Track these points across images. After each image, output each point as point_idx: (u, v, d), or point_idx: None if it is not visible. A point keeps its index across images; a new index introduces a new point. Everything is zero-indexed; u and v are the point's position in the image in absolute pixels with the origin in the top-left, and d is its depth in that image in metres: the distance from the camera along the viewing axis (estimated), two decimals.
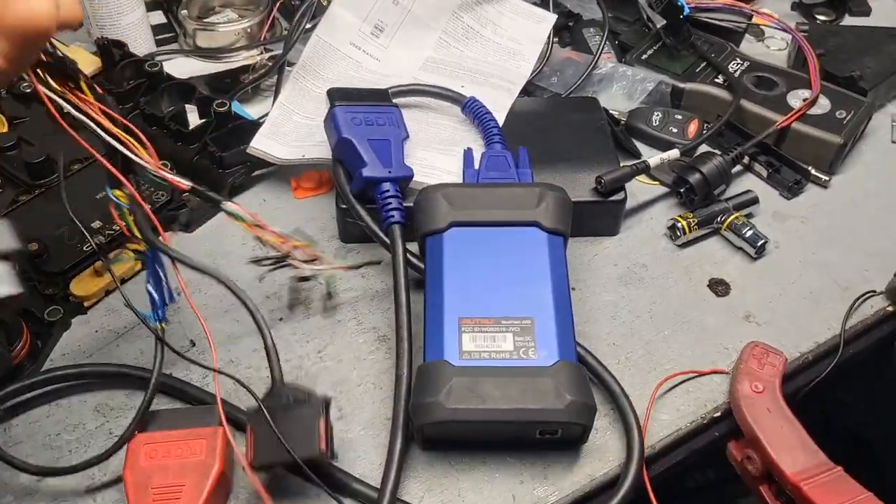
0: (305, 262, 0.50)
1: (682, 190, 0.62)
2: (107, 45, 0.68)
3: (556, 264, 0.52)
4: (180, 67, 0.73)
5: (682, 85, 0.70)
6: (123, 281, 0.57)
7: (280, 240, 0.49)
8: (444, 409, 0.45)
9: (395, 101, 0.61)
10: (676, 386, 0.52)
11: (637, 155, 0.67)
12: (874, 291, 0.57)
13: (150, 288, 0.47)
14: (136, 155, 0.44)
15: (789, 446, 0.48)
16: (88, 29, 0.73)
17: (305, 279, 0.51)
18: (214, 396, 0.48)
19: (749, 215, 0.62)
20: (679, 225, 0.60)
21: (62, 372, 0.51)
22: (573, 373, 0.47)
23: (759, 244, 0.59)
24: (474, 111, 0.62)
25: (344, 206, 0.58)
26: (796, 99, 0.68)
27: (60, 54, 0.42)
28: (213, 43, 0.74)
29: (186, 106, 0.66)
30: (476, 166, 0.59)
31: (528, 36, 0.72)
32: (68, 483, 0.47)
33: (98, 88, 0.44)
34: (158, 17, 0.79)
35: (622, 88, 0.70)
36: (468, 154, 0.60)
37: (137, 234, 0.45)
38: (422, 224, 0.54)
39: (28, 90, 0.67)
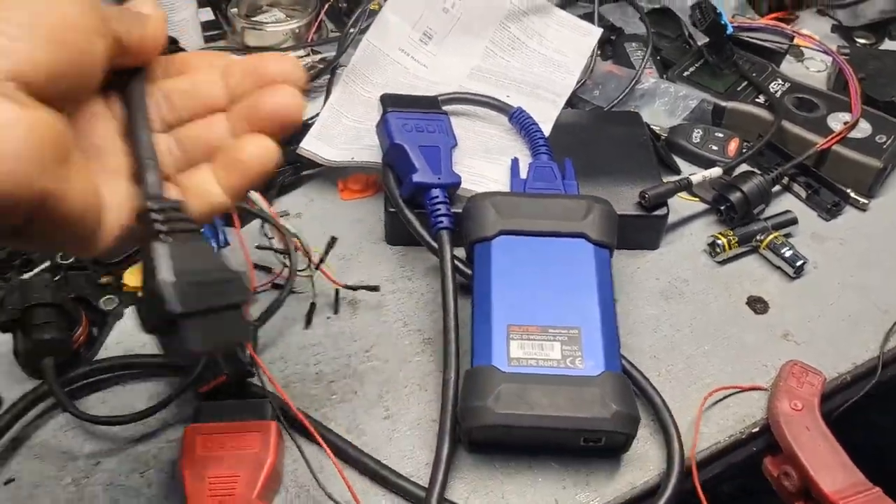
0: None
1: (722, 207, 0.63)
2: None
3: (603, 276, 0.53)
4: None
5: (723, 103, 0.71)
6: None
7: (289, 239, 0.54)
8: (493, 414, 0.46)
9: (444, 108, 0.62)
10: (718, 402, 0.53)
11: (677, 171, 0.68)
12: None
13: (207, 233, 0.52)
14: None
15: (828, 465, 0.49)
16: None
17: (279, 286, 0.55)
18: (265, 390, 0.50)
19: (788, 235, 0.63)
20: (719, 242, 0.61)
21: (119, 361, 0.52)
22: (619, 383, 0.48)
23: (798, 264, 0.60)
24: (521, 121, 0.63)
25: (392, 210, 0.59)
26: (837, 122, 0.69)
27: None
28: (262, 42, 0.76)
29: None
30: (522, 176, 0.60)
31: (574, 48, 0.73)
32: (120, 467, 0.48)
33: None
34: (207, 14, 0.81)
35: (664, 105, 0.71)
36: (515, 164, 0.61)
37: None
38: (471, 231, 0.55)
39: None
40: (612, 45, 0.79)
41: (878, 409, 0.57)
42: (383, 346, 0.55)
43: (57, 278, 0.56)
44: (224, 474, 0.45)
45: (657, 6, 0.83)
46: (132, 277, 0.57)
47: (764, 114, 0.70)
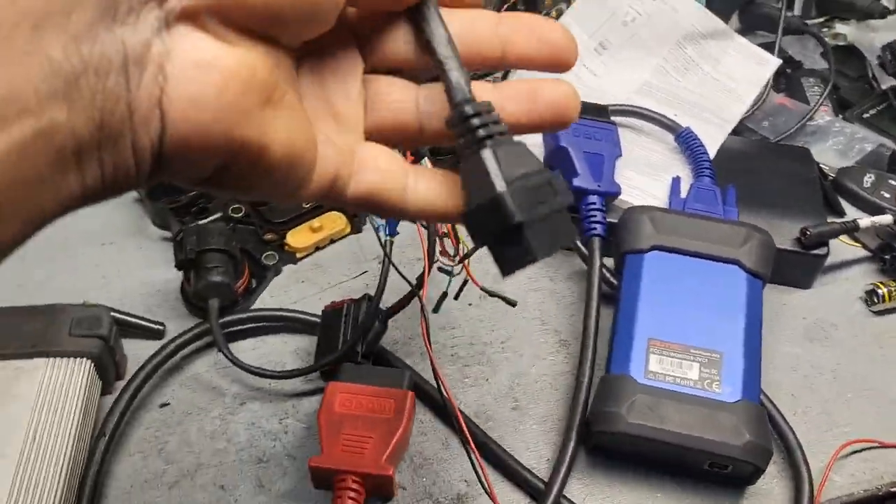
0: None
1: (887, 257, 0.61)
2: None
3: (753, 305, 0.52)
4: None
5: None
6: (333, 241, 0.62)
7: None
8: (624, 422, 0.47)
9: (612, 118, 0.63)
10: (856, 453, 0.51)
11: (841, 213, 0.66)
12: None
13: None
14: None
15: None
16: None
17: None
18: (402, 361, 0.52)
19: None
20: (879, 291, 0.59)
21: (273, 313, 0.56)
22: (755, 413, 0.47)
23: None
24: (687, 142, 0.63)
25: None
26: None
27: None
28: None
29: None
30: (682, 196, 0.60)
31: (748, 77, 0.72)
32: (262, 411, 0.51)
33: None
34: None
35: (837, 144, 0.69)
36: (676, 182, 0.61)
37: None
38: (624, 241, 0.55)
39: None
40: (786, 77, 0.78)
41: None
42: (519, 340, 0.56)
43: (229, 229, 0.60)
44: (358, 433, 0.47)
45: (843, 43, 0.80)
46: (294, 238, 0.60)
47: None
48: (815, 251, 0.59)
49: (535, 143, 0.62)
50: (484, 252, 0.29)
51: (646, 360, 0.49)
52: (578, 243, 0.57)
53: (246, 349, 0.55)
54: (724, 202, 0.59)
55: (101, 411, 0.50)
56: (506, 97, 0.28)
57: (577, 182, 0.58)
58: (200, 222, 0.60)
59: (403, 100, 0.29)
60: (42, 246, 0.60)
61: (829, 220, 0.61)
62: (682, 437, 0.46)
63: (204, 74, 0.22)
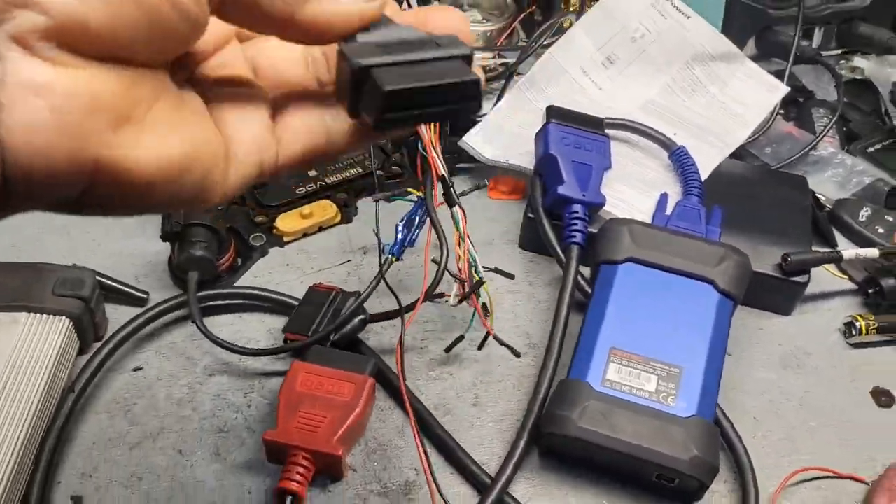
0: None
1: (870, 290, 0.60)
2: None
3: (720, 325, 0.52)
4: None
5: None
6: (322, 228, 0.63)
7: (464, 265, 0.51)
8: (574, 426, 0.47)
9: (607, 131, 0.64)
10: (808, 480, 0.51)
11: (833, 244, 0.65)
12: None
13: (400, 227, 0.52)
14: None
15: None
16: None
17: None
18: (372, 350, 0.54)
19: None
20: (857, 324, 0.58)
21: (251, 292, 0.57)
22: (706, 430, 0.47)
23: None
24: (681, 160, 0.63)
25: (531, 216, 0.61)
26: None
27: None
28: None
29: None
30: (668, 212, 0.60)
31: (755, 102, 0.72)
32: (229, 384, 0.53)
33: None
34: (412, 5, 0.86)
35: (836, 175, 0.68)
36: (663, 198, 0.61)
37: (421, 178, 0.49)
38: (601, 250, 0.56)
39: None
40: (797, 106, 0.77)
41: None
42: (490, 342, 0.57)
43: (220, 209, 0.62)
44: (314, 412, 0.48)
45: (859, 77, 0.80)
46: (283, 222, 0.62)
47: None
48: (796, 278, 0.59)
49: (530, 150, 0.63)
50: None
51: (605, 369, 0.50)
52: (557, 248, 0.58)
53: (223, 324, 0.57)
54: (709, 222, 0.59)
55: (77, 370, 0.52)
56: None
57: (561, 190, 0.58)
58: None
59: (291, 56, 0.30)
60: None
61: (817, 249, 0.60)
62: (630, 446, 0.47)
63: (39, 99, 0.21)
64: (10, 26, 0.21)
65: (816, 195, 0.67)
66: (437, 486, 0.46)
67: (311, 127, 0.29)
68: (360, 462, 0.50)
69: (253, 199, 0.63)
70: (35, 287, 0.52)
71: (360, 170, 0.66)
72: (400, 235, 0.52)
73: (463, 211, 0.50)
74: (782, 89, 0.72)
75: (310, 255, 0.62)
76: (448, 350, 0.54)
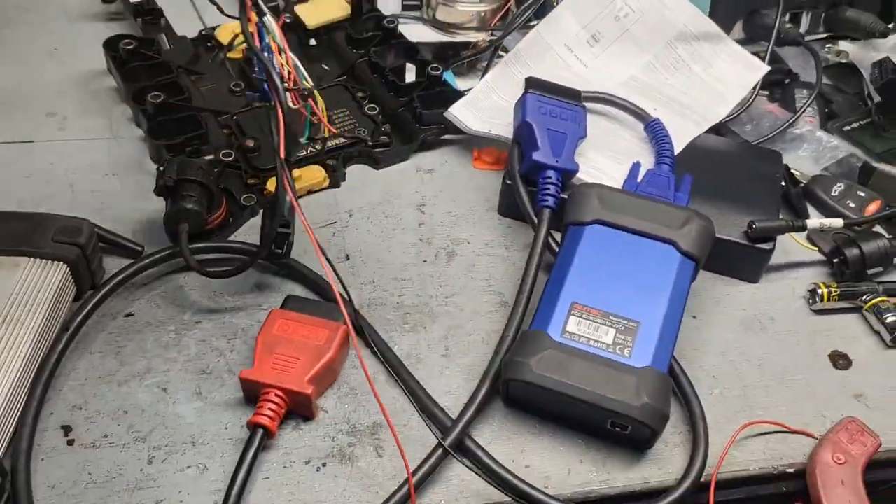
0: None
1: (835, 260, 0.62)
2: None
3: (680, 284, 0.55)
4: (417, 32, 0.81)
5: (875, 164, 0.69)
6: (311, 192, 0.67)
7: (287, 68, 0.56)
8: (530, 372, 0.50)
9: (585, 103, 0.66)
10: (762, 434, 0.53)
11: (805, 217, 0.67)
12: None
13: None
14: None
15: None
16: None
17: None
18: (345, 299, 0.57)
19: None
20: (819, 291, 0.60)
21: (239, 247, 0.60)
22: (657, 379, 0.50)
23: None
24: (655, 132, 0.66)
25: (509, 182, 0.63)
26: None
27: None
28: (449, 18, 0.82)
29: (407, 64, 0.75)
30: (639, 180, 0.62)
31: (736, 81, 0.74)
32: (214, 330, 0.56)
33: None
34: None
35: (810, 151, 0.70)
36: (635, 167, 0.63)
37: None
38: (570, 213, 0.58)
39: (289, 20, 0.78)
40: (782, 88, 0.79)
41: None
42: (463, 297, 0.60)
43: (216, 170, 0.65)
44: (288, 354, 0.52)
45: (844, 60, 0.81)
46: (274, 184, 0.65)
47: None
48: (761, 245, 0.61)
49: (511, 121, 0.66)
50: None
51: (565, 321, 0.52)
52: (531, 212, 0.60)
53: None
54: (678, 189, 0.61)
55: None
56: None
57: (536, 156, 0.61)
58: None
59: None
60: (47, 169, 0.66)
61: (783, 218, 0.62)
62: (583, 392, 0.49)
63: None
64: None
65: (792, 171, 0.69)
66: (390, 422, 0.49)
67: None
68: (332, 405, 0.53)
69: (247, 163, 0.66)
70: (37, 233, 0.55)
71: (354, 139, 0.69)
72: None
73: (277, 20, 0.54)
74: (763, 68, 0.74)
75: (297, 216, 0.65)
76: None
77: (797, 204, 0.68)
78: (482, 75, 0.73)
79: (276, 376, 0.51)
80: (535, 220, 0.60)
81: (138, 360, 0.55)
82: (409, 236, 0.64)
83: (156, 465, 0.49)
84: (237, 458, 0.48)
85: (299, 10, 0.79)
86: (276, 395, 0.50)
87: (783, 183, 0.67)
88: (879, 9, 0.82)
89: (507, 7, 0.83)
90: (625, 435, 0.51)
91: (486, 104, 0.70)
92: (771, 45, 0.75)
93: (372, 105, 0.72)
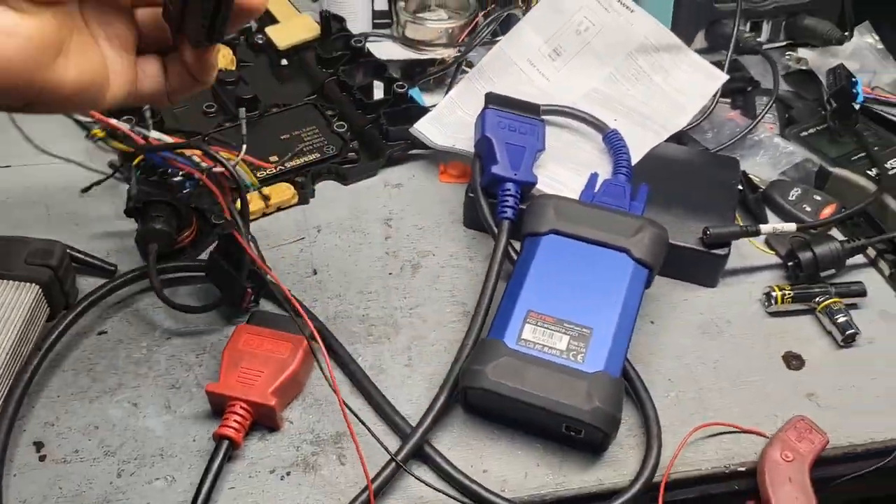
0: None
1: (790, 263, 0.64)
2: (328, 18, 0.80)
3: (633, 291, 0.56)
4: (386, 50, 0.83)
5: (830, 168, 0.71)
6: (280, 209, 0.69)
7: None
8: (486, 380, 0.52)
9: (544, 117, 0.68)
10: (715, 435, 0.55)
11: (763, 222, 0.69)
12: None
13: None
14: None
15: None
16: (321, 2, 0.85)
17: None
18: (310, 313, 0.58)
19: (853, 306, 0.62)
20: (774, 294, 0.62)
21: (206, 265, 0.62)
22: (609, 384, 0.52)
23: (848, 333, 0.60)
24: (613, 142, 0.68)
25: (471, 195, 0.65)
26: None
27: None
28: (418, 36, 0.84)
29: (375, 82, 0.77)
30: (596, 190, 0.64)
31: (696, 91, 0.75)
32: (184, 346, 0.58)
33: None
34: (382, 3, 0.90)
35: (768, 157, 0.72)
36: (593, 177, 0.65)
37: None
38: (527, 224, 0.60)
39: (261, 41, 0.80)
40: (743, 95, 0.81)
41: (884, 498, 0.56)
42: (427, 308, 0.62)
43: (187, 190, 0.67)
44: (252, 367, 0.53)
45: (804, 67, 0.83)
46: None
47: (870, 186, 0.69)
48: (717, 251, 0.63)
49: (468, 136, 0.68)
50: None
51: (521, 329, 0.54)
52: (491, 223, 0.62)
53: (183, 294, 0.62)
54: (634, 198, 0.63)
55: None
56: None
57: (495, 169, 0.63)
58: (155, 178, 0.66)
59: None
60: (23, 191, 0.68)
61: (737, 224, 0.64)
62: (537, 397, 0.51)
63: (8, 40, 0.32)
64: None
65: (750, 177, 0.71)
66: (352, 431, 0.50)
67: (154, 82, 0.40)
68: (297, 416, 0.55)
69: (217, 184, 0.68)
70: (10, 256, 0.57)
71: (318, 155, 0.71)
72: None
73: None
74: (722, 77, 0.76)
75: (268, 232, 0.67)
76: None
77: (755, 209, 0.70)
78: (446, 90, 0.75)
79: (241, 389, 0.52)
80: (496, 230, 0.62)
81: (110, 376, 0.56)
82: (376, 250, 0.66)
83: (125, 479, 0.51)
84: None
85: (270, 31, 0.81)
86: (242, 407, 0.52)
87: (741, 189, 0.68)
88: (837, 17, 0.84)
89: (474, 23, 0.85)
90: (579, 438, 0.53)
91: (450, 119, 0.72)
92: (730, 54, 0.77)
93: (341, 122, 0.73)
